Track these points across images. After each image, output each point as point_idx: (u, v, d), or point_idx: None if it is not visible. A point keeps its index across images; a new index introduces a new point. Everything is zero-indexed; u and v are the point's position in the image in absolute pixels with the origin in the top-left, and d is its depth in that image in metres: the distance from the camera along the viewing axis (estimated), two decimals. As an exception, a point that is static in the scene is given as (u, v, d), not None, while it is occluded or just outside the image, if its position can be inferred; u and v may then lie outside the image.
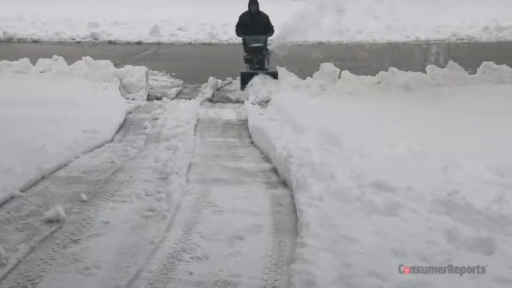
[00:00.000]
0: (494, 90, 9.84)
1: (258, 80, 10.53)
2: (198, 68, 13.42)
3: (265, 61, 10.97)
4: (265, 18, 10.99)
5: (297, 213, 4.66)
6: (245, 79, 10.73)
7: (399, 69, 10.68)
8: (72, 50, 15.28)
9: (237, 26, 11.16)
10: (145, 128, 8.04)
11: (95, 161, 6.38)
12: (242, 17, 11.13)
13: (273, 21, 11.02)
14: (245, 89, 10.59)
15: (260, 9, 11.03)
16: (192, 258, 3.99)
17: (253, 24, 10.86)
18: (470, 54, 12.60)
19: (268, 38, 10.93)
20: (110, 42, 18.59)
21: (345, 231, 4.07)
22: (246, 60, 10.99)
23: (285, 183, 5.69)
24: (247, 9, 11.09)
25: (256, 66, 10.86)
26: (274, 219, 4.76)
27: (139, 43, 18.46)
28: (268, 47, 10.93)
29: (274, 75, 10.73)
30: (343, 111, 8.30)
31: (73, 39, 18.69)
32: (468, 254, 3.74)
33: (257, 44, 10.78)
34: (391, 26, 18.83)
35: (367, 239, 3.96)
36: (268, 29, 10.92)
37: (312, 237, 3.98)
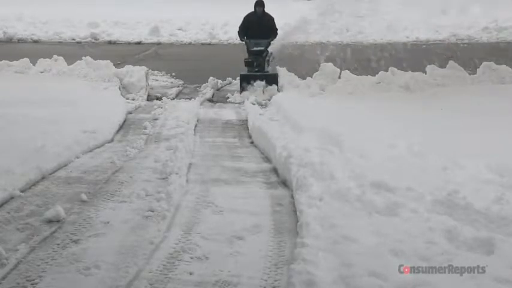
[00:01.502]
0: (494, 90, 9.83)
1: (256, 87, 10.45)
2: (198, 68, 13.42)
3: (266, 63, 10.86)
4: (270, 20, 10.93)
5: (297, 213, 4.66)
6: (244, 81, 10.64)
7: (399, 69, 10.69)
8: (72, 50, 15.28)
9: (241, 27, 11.09)
10: (145, 128, 8.04)
11: (95, 161, 6.38)
12: (247, 18, 11.05)
13: (276, 20, 10.99)
14: (243, 93, 10.50)
15: (265, 10, 10.96)
16: (192, 258, 3.99)
17: (258, 26, 10.78)
18: (470, 54, 12.62)
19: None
20: (110, 42, 18.58)
21: (345, 231, 4.07)
22: (247, 63, 10.85)
23: (285, 183, 5.69)
24: (252, 10, 11.00)
25: (256, 69, 10.75)
26: (274, 219, 4.76)
27: (139, 43, 18.45)
28: (269, 49, 10.83)
29: (274, 78, 10.64)
30: (343, 111, 8.30)
31: (73, 39, 18.68)
32: (468, 254, 3.74)
33: (259, 48, 10.70)
34: (391, 26, 18.84)
35: (367, 239, 3.97)
36: (272, 31, 10.87)
37: (312, 237, 3.98)
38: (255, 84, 10.51)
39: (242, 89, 10.66)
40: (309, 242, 3.89)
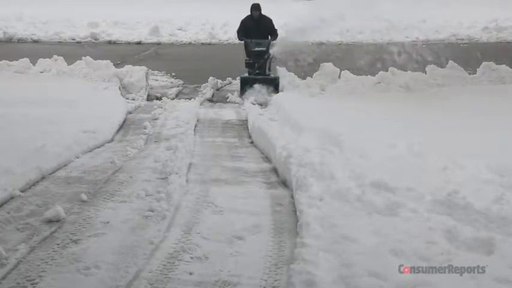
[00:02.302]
0: (494, 90, 9.84)
1: (256, 91, 10.34)
2: (198, 68, 13.42)
3: (267, 66, 10.70)
4: (268, 22, 10.76)
5: (297, 213, 4.66)
6: (245, 85, 10.47)
7: (399, 69, 10.68)
8: (72, 50, 15.29)
9: (239, 30, 10.95)
10: (145, 128, 8.04)
11: (95, 161, 6.38)
12: (244, 22, 10.88)
13: (274, 21, 10.94)
14: (243, 97, 10.35)
15: (262, 12, 10.83)
16: (192, 258, 3.99)
17: (257, 29, 10.63)
18: (470, 54, 12.64)
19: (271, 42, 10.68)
20: (109, 42, 18.60)
21: (345, 231, 4.07)
22: (247, 65, 10.69)
23: (285, 183, 5.69)
24: (249, 13, 10.85)
25: (257, 71, 10.57)
26: (274, 219, 4.76)
27: (139, 43, 18.47)
28: (270, 51, 10.64)
29: (275, 82, 10.46)
30: (343, 111, 8.30)
31: (73, 39, 18.71)
32: (468, 254, 3.74)
33: (260, 48, 10.49)
34: (391, 26, 18.84)
35: (367, 239, 3.96)
36: (272, 33, 10.72)
37: (312, 237, 3.98)
38: (255, 88, 10.34)
39: (242, 93, 10.46)
40: (309, 242, 3.89)
